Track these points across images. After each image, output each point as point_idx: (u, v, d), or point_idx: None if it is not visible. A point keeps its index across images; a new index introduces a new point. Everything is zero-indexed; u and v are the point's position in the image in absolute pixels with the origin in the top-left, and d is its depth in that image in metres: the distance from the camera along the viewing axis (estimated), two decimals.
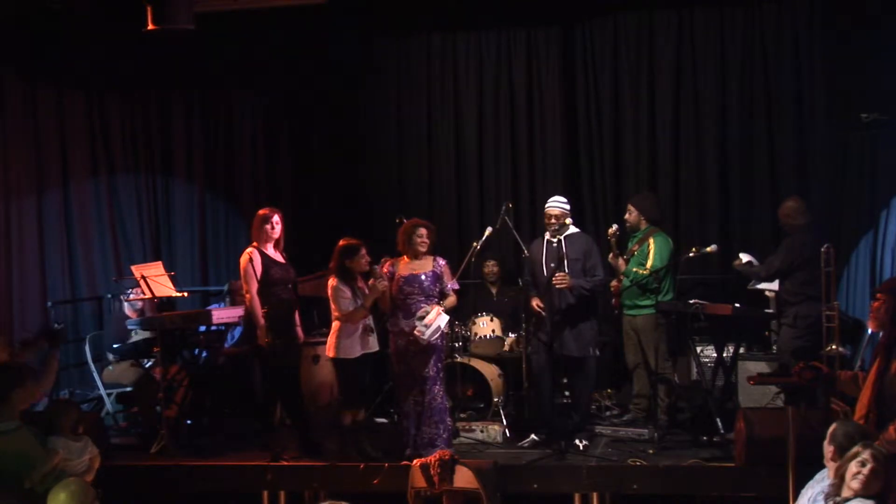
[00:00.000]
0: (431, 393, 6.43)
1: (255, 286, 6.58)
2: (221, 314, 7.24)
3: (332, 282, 6.43)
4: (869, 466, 4.01)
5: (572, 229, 6.94)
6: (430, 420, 6.42)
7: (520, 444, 6.78)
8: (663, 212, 7.77)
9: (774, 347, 7.48)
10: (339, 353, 6.42)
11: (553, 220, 6.87)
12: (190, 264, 9.37)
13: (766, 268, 7.06)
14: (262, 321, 6.53)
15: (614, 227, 7.14)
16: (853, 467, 4.05)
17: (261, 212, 6.86)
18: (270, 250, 6.78)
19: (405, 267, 6.53)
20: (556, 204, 6.92)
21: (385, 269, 6.52)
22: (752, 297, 7.65)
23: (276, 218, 6.77)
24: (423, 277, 6.47)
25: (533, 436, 6.81)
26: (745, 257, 7.31)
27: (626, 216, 7.40)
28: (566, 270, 6.71)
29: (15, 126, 8.34)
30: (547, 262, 6.84)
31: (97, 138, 9.09)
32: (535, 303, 6.82)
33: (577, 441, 6.64)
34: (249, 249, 6.72)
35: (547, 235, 6.94)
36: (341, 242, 6.50)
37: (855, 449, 4.10)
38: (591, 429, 6.99)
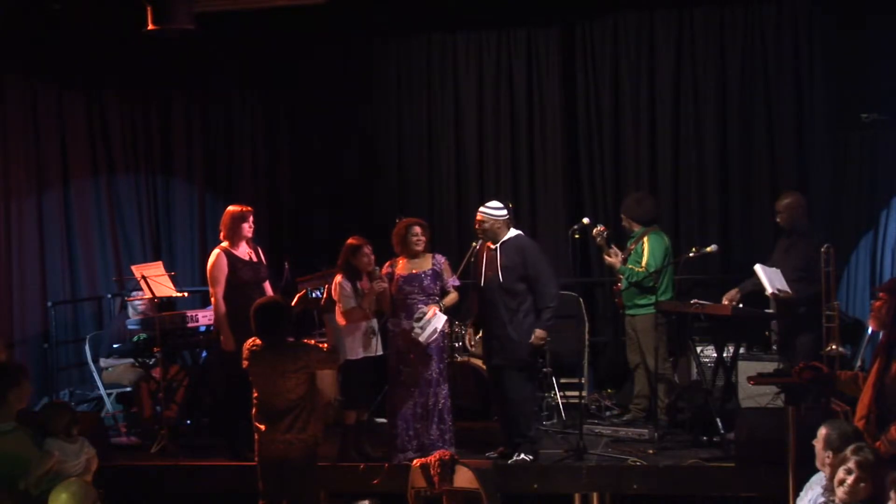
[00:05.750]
0: (435, 395, 6.42)
1: (220, 290, 6.52)
2: None
3: (336, 278, 6.46)
4: (853, 476, 3.96)
5: (511, 233, 6.54)
6: (434, 421, 6.39)
7: (510, 462, 6.41)
8: (660, 211, 7.76)
9: (774, 346, 7.47)
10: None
11: (477, 227, 6.47)
12: (190, 264, 9.36)
13: (812, 283, 6.62)
14: (226, 327, 6.45)
15: (599, 226, 7.16)
16: (840, 473, 4.01)
17: (234, 209, 6.70)
18: (242, 249, 6.66)
19: (404, 267, 6.51)
20: (486, 212, 6.45)
21: (384, 271, 6.52)
22: (752, 297, 7.64)
23: (251, 217, 6.68)
24: (422, 276, 6.46)
25: (524, 455, 6.45)
26: (762, 273, 7.06)
27: (622, 222, 7.47)
28: (500, 279, 6.37)
29: (15, 126, 8.33)
30: (485, 270, 6.46)
31: (97, 138, 9.06)
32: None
33: (516, 456, 6.36)
34: (217, 251, 6.62)
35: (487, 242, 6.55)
36: (349, 241, 6.50)
37: (845, 452, 4.06)
38: (537, 434, 6.60)
